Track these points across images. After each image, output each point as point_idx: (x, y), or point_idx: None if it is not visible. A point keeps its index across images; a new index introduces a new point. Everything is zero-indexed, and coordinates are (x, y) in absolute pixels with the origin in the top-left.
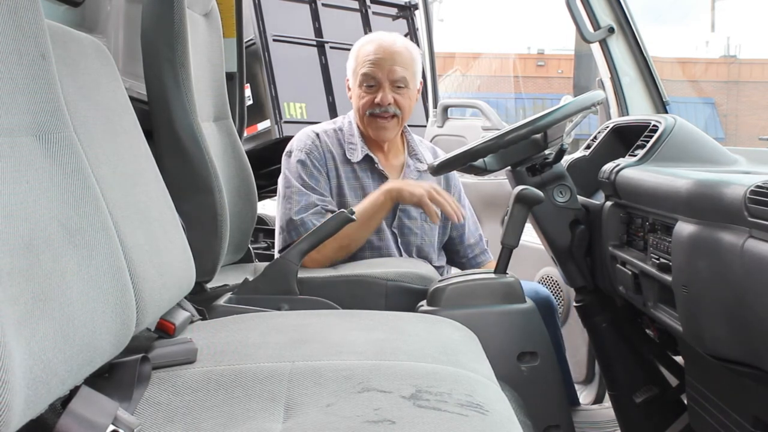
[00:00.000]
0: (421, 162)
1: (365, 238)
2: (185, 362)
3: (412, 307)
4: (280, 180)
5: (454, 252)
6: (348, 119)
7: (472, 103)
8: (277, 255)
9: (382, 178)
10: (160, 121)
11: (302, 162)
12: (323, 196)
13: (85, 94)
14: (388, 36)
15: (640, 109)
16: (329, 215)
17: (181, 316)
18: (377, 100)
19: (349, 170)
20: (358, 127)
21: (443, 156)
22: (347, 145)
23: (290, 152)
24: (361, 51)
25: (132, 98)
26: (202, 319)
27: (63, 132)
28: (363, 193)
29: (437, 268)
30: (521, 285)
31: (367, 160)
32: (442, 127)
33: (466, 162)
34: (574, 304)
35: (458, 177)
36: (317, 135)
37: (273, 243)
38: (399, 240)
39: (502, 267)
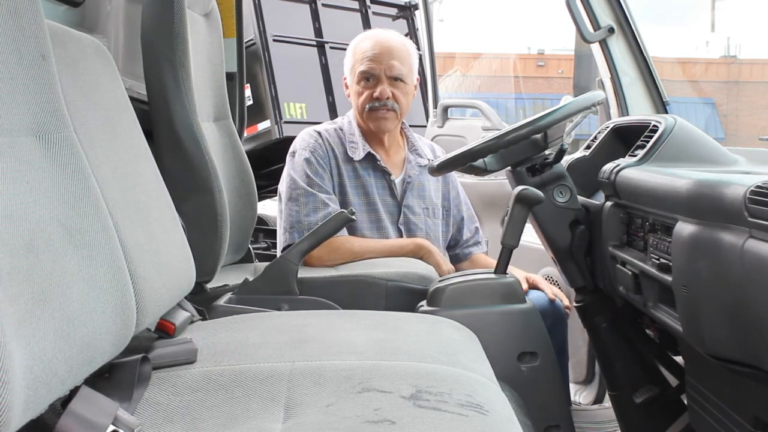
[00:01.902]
0: (421, 157)
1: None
2: (185, 362)
3: (412, 307)
4: (284, 181)
5: (451, 246)
6: (348, 119)
7: (472, 103)
8: (279, 255)
9: (384, 175)
10: (160, 121)
11: (308, 160)
12: (329, 194)
13: (85, 94)
14: (385, 32)
15: (640, 109)
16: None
17: (181, 316)
18: (376, 93)
19: (350, 169)
20: (359, 125)
21: (443, 156)
22: (348, 144)
23: (294, 152)
24: (358, 48)
25: (132, 98)
26: (202, 319)
27: (63, 132)
28: (364, 192)
29: None
30: (521, 285)
31: (369, 158)
32: (442, 127)
33: (466, 162)
34: (574, 304)
35: (456, 175)
36: (319, 134)
37: (273, 243)
38: (404, 236)
39: (502, 267)
